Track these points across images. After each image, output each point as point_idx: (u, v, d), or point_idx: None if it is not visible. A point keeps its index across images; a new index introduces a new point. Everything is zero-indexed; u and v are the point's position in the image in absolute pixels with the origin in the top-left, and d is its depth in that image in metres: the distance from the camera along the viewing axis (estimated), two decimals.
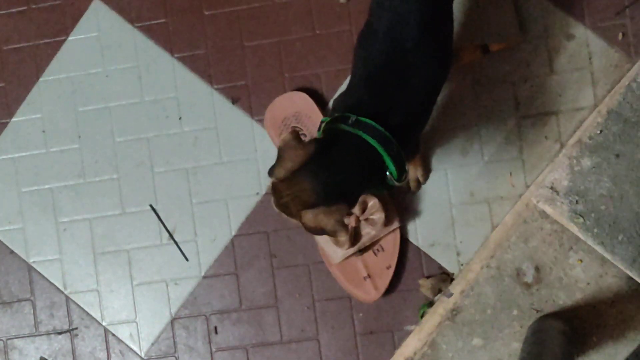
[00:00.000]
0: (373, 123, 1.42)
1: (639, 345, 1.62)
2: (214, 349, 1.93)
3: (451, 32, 1.57)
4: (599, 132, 1.59)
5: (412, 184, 1.86)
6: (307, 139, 1.85)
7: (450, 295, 1.77)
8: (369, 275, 1.87)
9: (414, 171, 1.84)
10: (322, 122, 1.49)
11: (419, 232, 1.88)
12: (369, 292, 1.87)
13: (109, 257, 1.96)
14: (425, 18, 1.47)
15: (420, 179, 1.86)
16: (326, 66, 1.89)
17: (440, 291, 1.84)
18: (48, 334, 1.97)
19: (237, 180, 1.93)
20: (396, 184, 1.47)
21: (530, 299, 1.70)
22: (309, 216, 1.36)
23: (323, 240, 1.86)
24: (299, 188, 1.37)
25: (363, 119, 1.42)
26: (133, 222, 1.96)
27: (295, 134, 1.39)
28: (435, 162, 1.87)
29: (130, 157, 1.96)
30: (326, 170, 1.38)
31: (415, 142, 1.63)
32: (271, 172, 1.39)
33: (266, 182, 1.93)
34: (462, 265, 1.85)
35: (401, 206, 1.87)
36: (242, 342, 1.92)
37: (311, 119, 1.89)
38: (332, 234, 1.37)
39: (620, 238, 1.59)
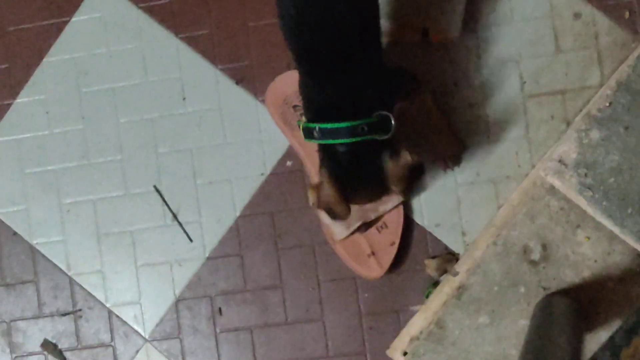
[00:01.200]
0: (333, 125, 1.47)
1: (625, 321, 1.59)
2: (218, 330, 1.90)
3: None
4: (607, 104, 1.57)
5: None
6: None
7: (457, 274, 1.74)
8: (373, 253, 1.84)
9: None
10: (297, 124, 1.57)
11: (424, 212, 1.85)
12: (373, 269, 1.84)
13: (113, 238, 1.93)
14: None
15: (450, 162, 1.84)
16: None
17: (446, 271, 1.82)
18: (52, 315, 1.95)
19: (242, 161, 1.91)
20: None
21: (537, 276, 1.68)
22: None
23: (326, 217, 1.83)
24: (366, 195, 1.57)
25: (323, 125, 1.48)
26: (137, 203, 1.93)
27: (313, 189, 1.55)
28: None
29: (134, 138, 1.93)
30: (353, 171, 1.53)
31: (394, 74, 1.65)
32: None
33: (271, 162, 1.90)
34: (467, 245, 1.82)
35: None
36: (247, 323, 1.90)
37: None
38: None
39: (629, 211, 1.57)
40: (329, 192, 1.54)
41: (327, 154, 1.54)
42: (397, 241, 1.84)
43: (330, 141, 1.49)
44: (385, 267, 1.83)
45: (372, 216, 1.82)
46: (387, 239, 1.84)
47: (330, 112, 1.49)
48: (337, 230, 1.83)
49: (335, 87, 1.49)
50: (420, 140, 1.78)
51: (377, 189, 1.59)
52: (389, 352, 1.82)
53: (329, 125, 1.48)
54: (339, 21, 1.46)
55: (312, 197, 1.55)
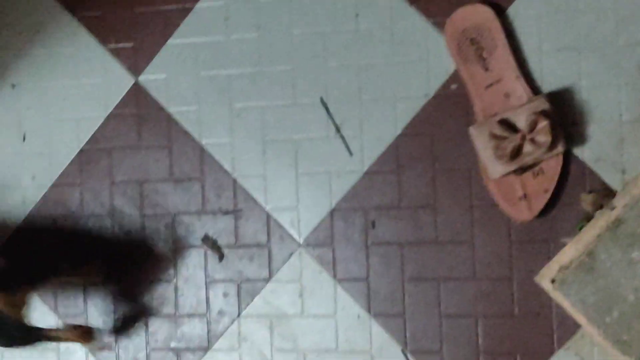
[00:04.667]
0: None
1: None
2: (369, 242, 2.04)
3: None
4: None
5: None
6: (485, 53, 1.93)
7: (613, 208, 1.81)
8: (525, 196, 1.93)
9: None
10: None
11: (585, 146, 1.93)
12: (522, 213, 1.93)
13: (277, 145, 2.09)
14: None
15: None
16: None
17: (601, 207, 1.88)
18: (214, 213, 2.13)
19: (407, 81, 2.02)
20: None
21: None
22: None
23: (485, 154, 1.93)
24: None
25: None
26: (303, 113, 2.08)
27: None
28: (611, 76, 1.92)
29: (306, 50, 2.08)
30: None
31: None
32: None
33: (436, 84, 2.01)
34: (626, 183, 1.88)
35: (569, 126, 1.93)
36: (398, 238, 2.03)
37: (491, 34, 1.96)
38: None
39: None
40: None
41: None
42: (551, 189, 1.92)
43: None
44: (535, 212, 1.92)
45: (530, 161, 1.91)
46: (542, 185, 1.92)
47: None
48: (493, 169, 1.93)
49: None
50: None
51: None
52: (537, 279, 1.92)
53: None
54: None
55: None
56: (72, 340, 2.05)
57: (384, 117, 2.03)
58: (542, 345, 1.94)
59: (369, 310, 2.03)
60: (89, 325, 2.15)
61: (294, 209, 2.08)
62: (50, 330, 1.99)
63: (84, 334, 2.06)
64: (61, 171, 2.20)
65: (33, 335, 1.94)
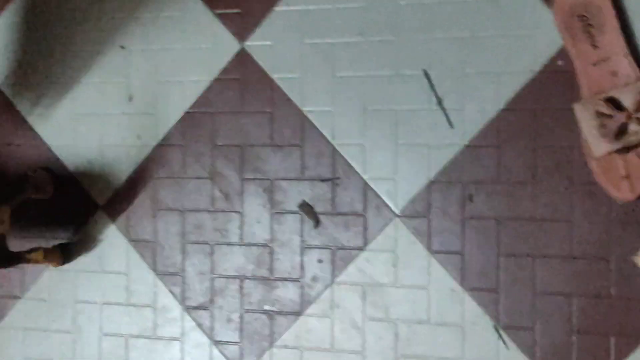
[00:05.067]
0: None
1: None
2: (466, 216, 2.06)
3: None
4: None
5: None
6: (593, 30, 1.92)
7: None
8: (627, 176, 1.91)
9: None
10: None
11: None
12: (624, 192, 1.91)
13: (378, 115, 2.12)
14: None
15: None
16: None
17: None
18: (312, 180, 2.17)
19: (512, 55, 2.02)
20: None
21: None
22: None
23: (588, 132, 1.91)
24: None
25: None
26: (404, 84, 2.10)
27: None
28: None
29: (410, 21, 2.09)
30: None
31: None
32: None
33: (542, 60, 2.01)
34: None
35: None
36: (495, 213, 2.04)
37: (601, 11, 1.94)
38: None
39: None
40: None
41: None
42: None
43: None
44: (638, 192, 1.90)
45: (635, 141, 1.88)
46: None
47: None
48: (596, 147, 1.91)
49: None
50: None
51: None
52: (635, 259, 1.91)
53: None
54: None
55: None
56: (43, 262, 2.22)
57: (487, 91, 2.03)
58: (638, 328, 1.92)
59: (462, 284, 2.05)
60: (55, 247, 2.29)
61: (391, 179, 2.11)
62: (24, 252, 2.16)
63: (51, 255, 2.24)
64: (166, 132, 2.27)
65: (14, 257, 2.11)
